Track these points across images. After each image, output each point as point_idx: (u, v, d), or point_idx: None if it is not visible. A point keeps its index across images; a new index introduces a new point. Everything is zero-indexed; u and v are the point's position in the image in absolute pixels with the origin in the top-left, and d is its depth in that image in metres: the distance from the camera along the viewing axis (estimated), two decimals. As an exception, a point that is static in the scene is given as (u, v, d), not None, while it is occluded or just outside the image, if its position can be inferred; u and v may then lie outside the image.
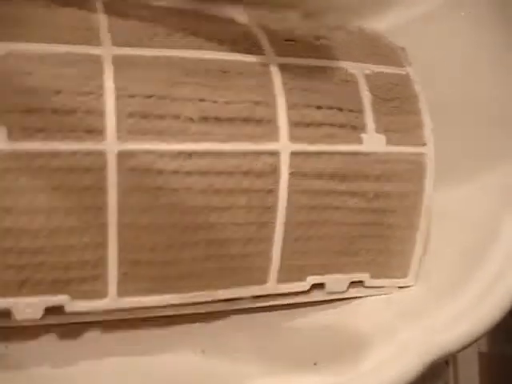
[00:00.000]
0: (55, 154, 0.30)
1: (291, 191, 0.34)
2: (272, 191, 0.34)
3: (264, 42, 0.36)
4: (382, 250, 0.38)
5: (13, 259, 0.30)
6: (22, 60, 0.31)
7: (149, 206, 0.31)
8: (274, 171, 0.34)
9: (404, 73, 0.39)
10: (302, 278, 0.37)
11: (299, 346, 0.36)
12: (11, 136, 0.29)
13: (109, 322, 0.35)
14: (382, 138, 0.36)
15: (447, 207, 0.39)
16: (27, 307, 0.31)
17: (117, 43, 0.33)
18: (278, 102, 0.34)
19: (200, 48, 0.34)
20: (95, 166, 0.30)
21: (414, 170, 0.37)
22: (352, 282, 0.38)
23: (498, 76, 0.38)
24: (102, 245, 0.31)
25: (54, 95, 0.30)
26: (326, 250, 0.36)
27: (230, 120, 0.33)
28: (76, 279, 0.32)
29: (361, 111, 0.36)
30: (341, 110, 0.35)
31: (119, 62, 0.32)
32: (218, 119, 0.33)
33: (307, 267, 0.36)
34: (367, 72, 0.38)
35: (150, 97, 0.32)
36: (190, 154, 0.32)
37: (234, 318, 0.37)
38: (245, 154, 0.33)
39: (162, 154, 0.31)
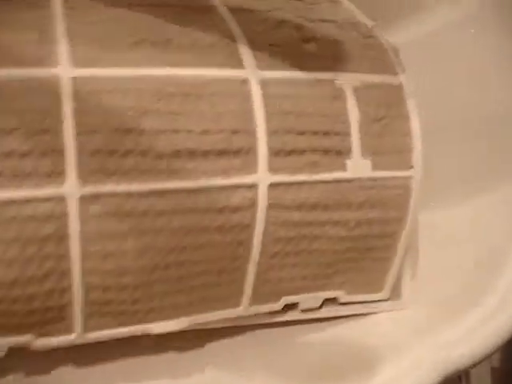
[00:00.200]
0: (8, 203, 0.27)
1: (268, 223, 0.32)
2: (248, 225, 0.32)
3: (244, 49, 0.32)
4: (358, 270, 0.37)
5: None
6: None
7: (115, 250, 0.29)
8: (252, 205, 0.31)
9: (396, 83, 0.35)
10: (275, 300, 0.36)
11: (312, 360, 0.36)
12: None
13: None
14: (367, 163, 0.33)
15: (451, 224, 0.39)
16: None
17: (76, 61, 0.29)
18: (258, 128, 0.31)
19: (174, 63, 0.30)
20: (55, 213, 0.28)
21: (400, 194, 0.35)
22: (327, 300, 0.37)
23: (502, 89, 0.36)
24: (66, 290, 0.29)
25: (6, 135, 0.27)
26: (301, 275, 0.35)
27: (205, 153, 0.30)
28: (40, 322, 0.30)
29: (347, 134, 0.33)
30: (327, 133, 0.33)
31: (79, 88, 0.28)
32: (191, 153, 0.30)
33: (281, 290, 0.35)
34: (356, 84, 0.34)
35: (116, 130, 0.28)
36: (161, 193, 0.29)
37: (248, 333, 0.37)
38: (220, 189, 0.30)
39: (129, 195, 0.29)
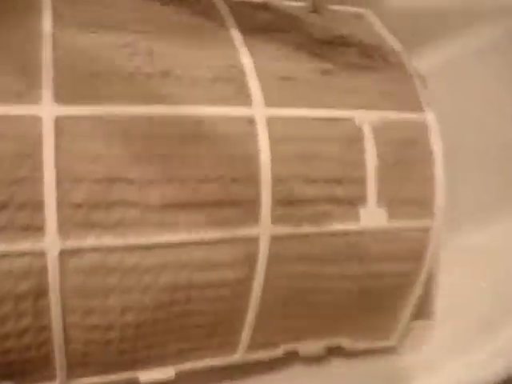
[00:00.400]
0: (-18, 258, 0.25)
1: (269, 277, 0.29)
2: (246, 280, 0.29)
3: (253, 82, 0.29)
4: (365, 318, 0.34)
5: None
6: None
7: (98, 307, 0.27)
8: (251, 259, 0.28)
9: (421, 120, 0.32)
10: (274, 347, 0.33)
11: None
12: None
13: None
14: (382, 212, 0.30)
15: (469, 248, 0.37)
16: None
17: (60, 97, 0.26)
18: (262, 175, 0.28)
19: (171, 99, 0.27)
20: (33, 268, 0.25)
21: (417, 246, 0.31)
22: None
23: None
24: (46, 343, 0.27)
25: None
26: (303, 325, 0.32)
27: (200, 205, 0.27)
28: (21, 372, 0.28)
29: (363, 181, 0.30)
30: (340, 181, 0.29)
31: (62, 129, 0.25)
32: (185, 205, 0.27)
33: (281, 339, 0.33)
34: (377, 122, 0.30)
35: (100, 181, 0.25)
36: (148, 248, 0.27)
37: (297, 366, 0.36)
38: (216, 242, 0.28)
39: (113, 250, 0.26)
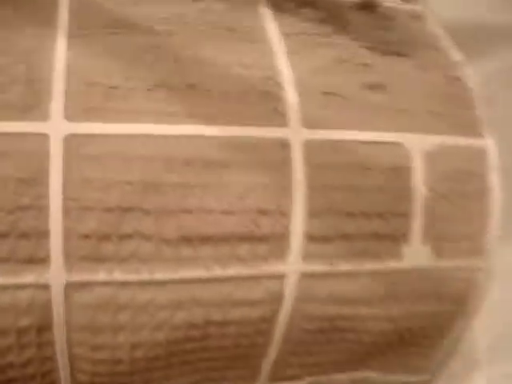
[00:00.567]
0: (-20, 290, 0.22)
1: (295, 317, 0.26)
2: (271, 319, 0.26)
3: (291, 99, 0.25)
4: (398, 355, 0.31)
5: None
6: None
7: (107, 343, 0.24)
8: (277, 298, 0.26)
9: (479, 146, 0.28)
10: (297, 380, 0.31)
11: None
12: None
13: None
14: (427, 250, 0.27)
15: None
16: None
17: (71, 111, 0.23)
18: (295, 208, 0.25)
19: (195, 118, 0.24)
20: (36, 301, 0.23)
21: (463, 287, 0.28)
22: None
23: None
24: (51, 372, 0.25)
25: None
26: (329, 361, 0.30)
27: (222, 239, 0.24)
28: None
29: (408, 215, 0.26)
30: (382, 215, 0.26)
31: (72, 150, 0.22)
32: (206, 239, 0.24)
33: (305, 372, 0.30)
34: (429, 147, 0.27)
35: (112, 210, 0.23)
36: (163, 284, 0.24)
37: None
38: (238, 279, 0.25)
39: (124, 285, 0.24)
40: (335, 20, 0.29)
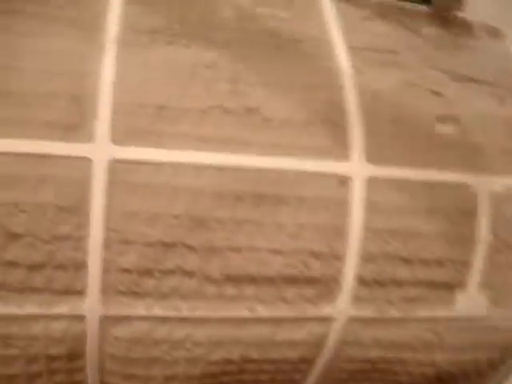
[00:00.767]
0: (12, 318, 0.21)
1: (336, 359, 0.25)
2: (310, 359, 0.25)
3: (357, 127, 0.23)
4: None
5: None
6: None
7: (140, 374, 0.23)
8: (320, 341, 0.24)
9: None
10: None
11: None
12: None
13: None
14: (483, 299, 0.25)
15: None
16: None
17: (115, 138, 0.21)
18: (349, 252, 0.23)
19: (251, 147, 0.22)
20: (70, 332, 0.22)
21: (514, 337, 0.27)
22: None
23: None
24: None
25: (12, 240, 0.20)
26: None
27: (269, 280, 0.22)
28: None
29: (467, 263, 0.24)
30: (439, 262, 0.24)
31: (113, 176, 0.21)
32: (252, 279, 0.22)
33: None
34: (497, 190, 0.25)
35: (153, 245, 0.21)
36: (202, 321, 0.23)
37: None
38: (281, 321, 0.23)
39: (163, 321, 0.22)
40: (406, 33, 0.27)
